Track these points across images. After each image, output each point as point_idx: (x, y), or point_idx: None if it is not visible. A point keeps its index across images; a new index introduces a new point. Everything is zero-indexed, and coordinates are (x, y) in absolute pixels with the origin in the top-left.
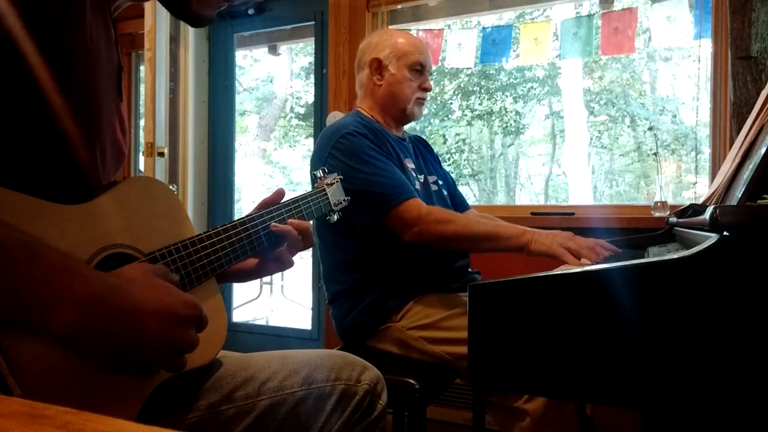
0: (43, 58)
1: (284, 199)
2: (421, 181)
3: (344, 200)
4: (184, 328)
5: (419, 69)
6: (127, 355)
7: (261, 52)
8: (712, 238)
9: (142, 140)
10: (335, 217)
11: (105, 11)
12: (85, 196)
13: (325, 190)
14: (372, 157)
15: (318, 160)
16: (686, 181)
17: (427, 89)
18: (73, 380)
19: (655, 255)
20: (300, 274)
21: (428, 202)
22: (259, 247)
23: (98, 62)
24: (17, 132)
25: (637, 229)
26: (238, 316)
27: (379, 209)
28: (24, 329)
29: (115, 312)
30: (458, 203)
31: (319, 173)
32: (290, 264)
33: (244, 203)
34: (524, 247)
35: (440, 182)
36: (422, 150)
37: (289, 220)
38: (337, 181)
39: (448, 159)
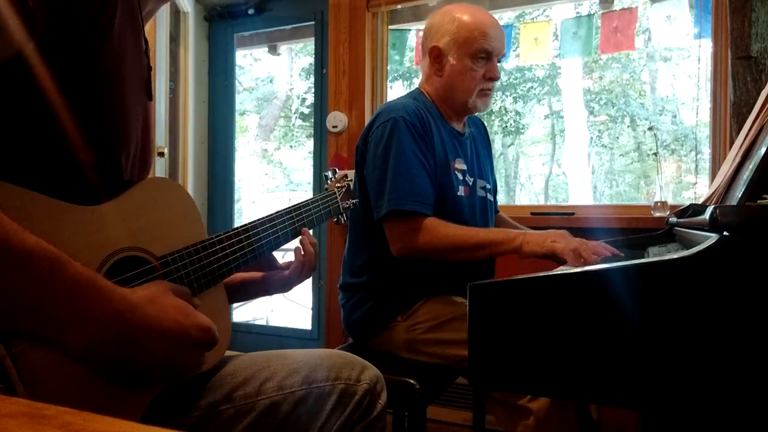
0: (76, 60)
1: (294, 203)
2: (469, 184)
3: (352, 203)
4: (194, 352)
5: (484, 56)
6: (136, 373)
7: (261, 52)
8: (712, 238)
9: None
10: (342, 219)
11: (136, 17)
12: (104, 197)
13: (335, 193)
14: (403, 153)
15: (365, 131)
16: (686, 181)
17: (493, 78)
18: (80, 386)
19: (655, 255)
20: None
21: (471, 209)
22: (269, 251)
23: (126, 66)
24: (40, 131)
25: (637, 229)
26: (238, 315)
27: (383, 207)
28: (41, 343)
29: (130, 332)
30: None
31: (330, 174)
32: (288, 289)
33: (244, 203)
34: (517, 250)
35: (488, 186)
36: (479, 147)
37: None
38: (347, 184)
39: None
